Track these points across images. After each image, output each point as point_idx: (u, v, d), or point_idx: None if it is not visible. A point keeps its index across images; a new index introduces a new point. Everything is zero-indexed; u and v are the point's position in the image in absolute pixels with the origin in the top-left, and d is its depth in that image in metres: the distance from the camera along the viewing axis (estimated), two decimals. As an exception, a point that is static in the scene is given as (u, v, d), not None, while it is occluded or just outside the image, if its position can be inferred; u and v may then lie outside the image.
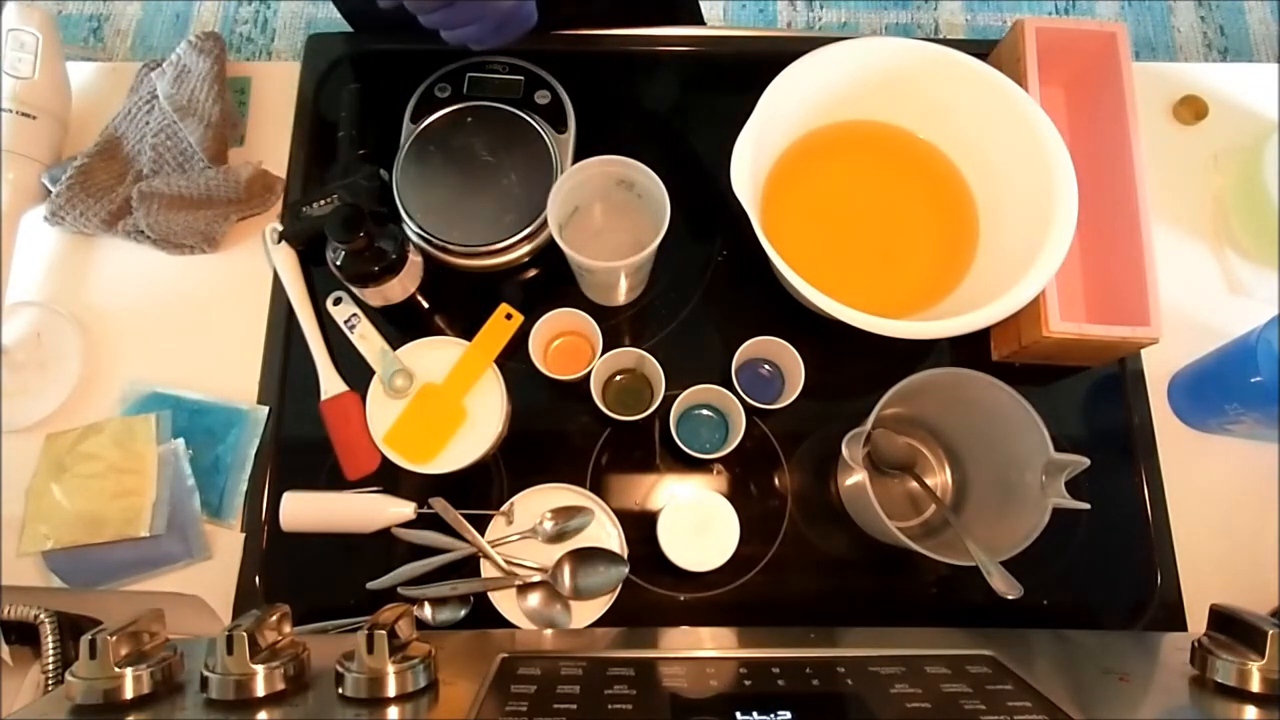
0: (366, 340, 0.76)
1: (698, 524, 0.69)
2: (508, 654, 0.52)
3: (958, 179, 0.81)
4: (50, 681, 0.56)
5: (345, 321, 0.77)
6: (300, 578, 0.73)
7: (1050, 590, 0.71)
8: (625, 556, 0.70)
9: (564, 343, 0.78)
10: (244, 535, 0.74)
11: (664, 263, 0.75)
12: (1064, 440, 0.64)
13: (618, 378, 0.77)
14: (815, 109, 0.80)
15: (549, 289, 0.79)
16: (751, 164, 0.71)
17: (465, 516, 0.70)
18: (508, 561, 0.70)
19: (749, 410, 0.72)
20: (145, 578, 0.73)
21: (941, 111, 0.80)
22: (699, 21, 0.59)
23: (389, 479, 0.73)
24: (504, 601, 0.69)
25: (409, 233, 0.75)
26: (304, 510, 0.71)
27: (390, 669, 0.44)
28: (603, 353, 0.73)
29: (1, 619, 0.58)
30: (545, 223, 0.76)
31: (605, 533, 0.72)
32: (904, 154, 0.83)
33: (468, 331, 0.74)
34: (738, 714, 0.43)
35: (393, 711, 0.43)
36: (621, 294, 0.77)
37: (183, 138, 0.83)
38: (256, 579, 0.72)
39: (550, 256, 0.80)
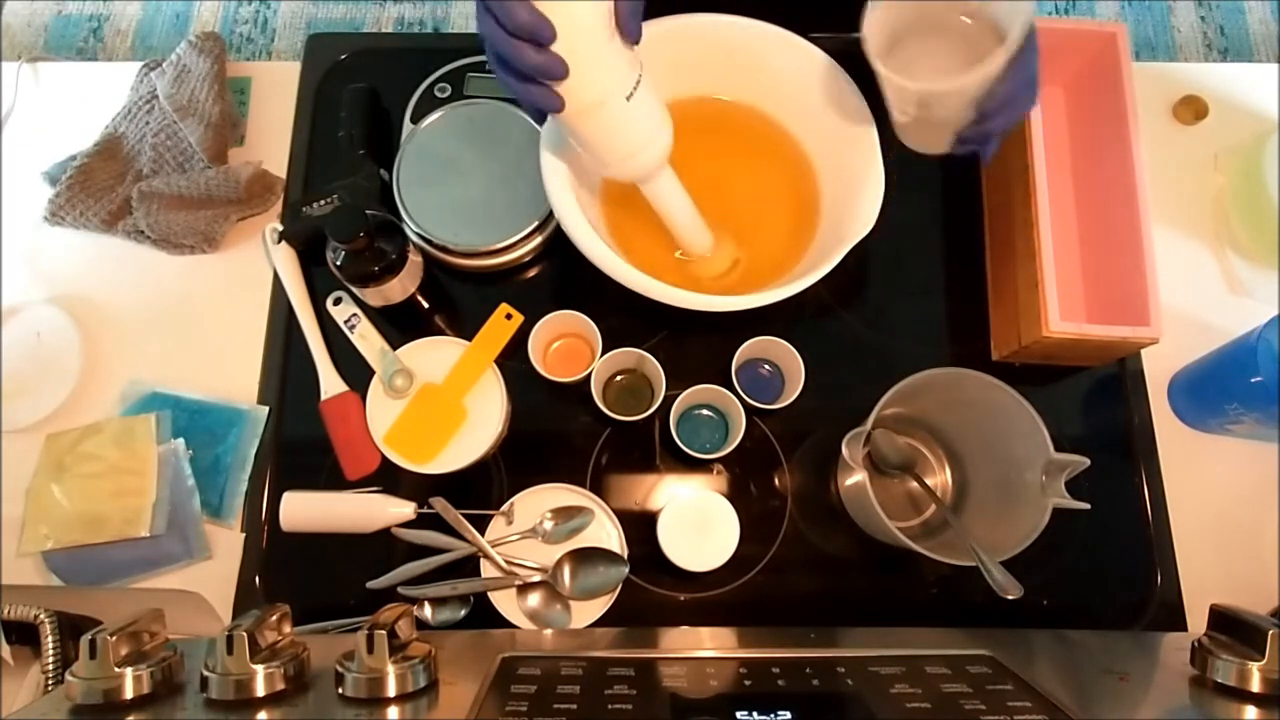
0: (366, 340, 0.76)
1: (698, 524, 0.69)
2: (508, 654, 0.52)
3: (796, 147, 0.79)
4: (50, 681, 0.55)
5: (345, 321, 0.77)
6: (300, 578, 0.73)
7: (1050, 590, 0.71)
8: (625, 556, 0.70)
9: (563, 345, 0.78)
10: (244, 535, 0.74)
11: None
12: (1064, 440, 0.64)
13: (618, 378, 0.77)
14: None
15: (549, 289, 0.79)
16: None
17: (465, 516, 0.70)
18: (508, 561, 0.70)
19: (749, 410, 0.72)
20: (145, 577, 0.73)
21: (771, 83, 0.77)
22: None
23: (389, 479, 0.73)
24: (504, 601, 0.69)
25: (409, 233, 0.75)
26: (304, 510, 0.71)
27: (390, 669, 0.44)
28: (603, 353, 0.73)
29: (1, 619, 0.58)
30: (545, 222, 0.76)
31: (605, 533, 0.72)
32: (742, 129, 0.80)
33: (468, 331, 0.74)
34: (738, 714, 0.43)
35: (393, 711, 0.43)
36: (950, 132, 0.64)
37: (183, 138, 0.83)
38: (256, 579, 0.72)
39: (550, 256, 0.80)
